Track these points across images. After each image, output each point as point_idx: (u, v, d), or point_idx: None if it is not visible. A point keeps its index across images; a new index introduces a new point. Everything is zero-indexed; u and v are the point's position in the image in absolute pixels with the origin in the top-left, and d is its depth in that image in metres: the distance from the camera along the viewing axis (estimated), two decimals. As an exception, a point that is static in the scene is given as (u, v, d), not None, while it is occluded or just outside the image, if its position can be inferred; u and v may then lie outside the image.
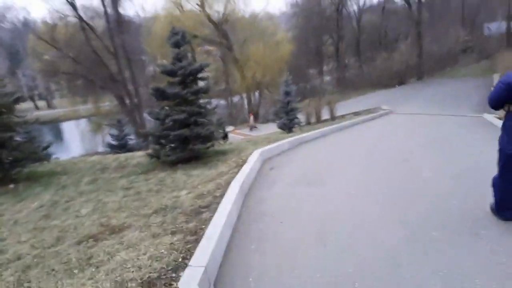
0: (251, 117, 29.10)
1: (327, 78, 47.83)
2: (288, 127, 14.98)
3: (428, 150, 6.84)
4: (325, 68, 50.29)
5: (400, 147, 7.23)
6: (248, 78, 33.03)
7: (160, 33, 29.35)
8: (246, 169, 4.82)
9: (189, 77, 7.29)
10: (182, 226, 3.36)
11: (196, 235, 3.08)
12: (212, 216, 3.43)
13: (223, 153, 7.78)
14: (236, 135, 27.21)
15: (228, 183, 4.58)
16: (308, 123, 20.25)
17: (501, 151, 3.08)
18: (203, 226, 3.26)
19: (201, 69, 7.33)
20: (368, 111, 21.31)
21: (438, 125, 11.93)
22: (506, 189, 3.07)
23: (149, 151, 7.45)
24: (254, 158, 5.55)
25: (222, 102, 47.33)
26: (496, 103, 3.03)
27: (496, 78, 25.31)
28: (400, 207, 3.58)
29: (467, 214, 3.33)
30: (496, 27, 41.14)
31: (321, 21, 43.49)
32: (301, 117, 18.72)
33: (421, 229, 3.10)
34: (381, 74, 35.59)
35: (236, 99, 45.31)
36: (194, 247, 2.77)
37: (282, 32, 45.06)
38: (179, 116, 6.71)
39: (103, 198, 5.26)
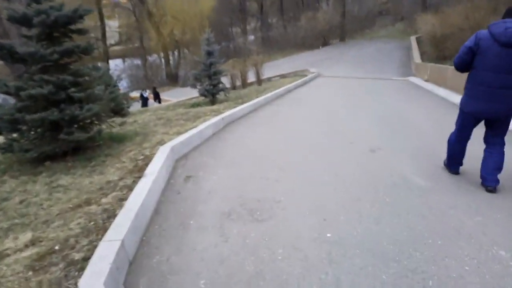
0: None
1: (251, 37, 45.57)
2: (211, 93, 12.85)
3: (386, 130, 5.49)
4: (248, 27, 47.84)
5: (354, 128, 5.79)
6: (165, 35, 29.26)
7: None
8: (142, 189, 2.76)
9: (57, 29, 4.73)
10: None
11: None
12: None
13: (120, 139, 5.54)
14: (151, 99, 24.15)
15: (109, 216, 2.57)
16: (233, 87, 18.32)
17: (460, 110, 3.29)
18: None
19: (76, 17, 4.79)
20: (295, 73, 20.16)
21: (374, 91, 10.98)
22: (458, 146, 3.34)
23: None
24: (160, 160, 3.49)
25: (137, 62, 42.64)
26: (460, 66, 3.14)
27: (413, 40, 25.95)
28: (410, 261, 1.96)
29: None
30: (410, -10, 42.38)
31: (243, -26, 40.40)
32: (226, 80, 16.73)
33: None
34: (306, 34, 34.56)
35: (153, 58, 40.96)
36: None
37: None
38: (41, 90, 4.25)
39: None
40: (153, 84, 24.69)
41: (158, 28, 28.96)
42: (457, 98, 8.47)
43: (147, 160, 4.03)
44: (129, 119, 7.13)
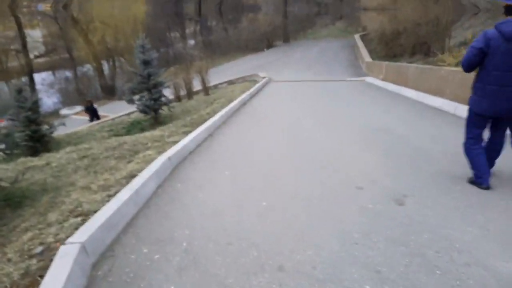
0: None
1: (191, 42, 43.52)
2: (152, 109, 11.04)
3: (387, 159, 4.28)
4: (188, 31, 45.73)
5: (344, 158, 4.49)
6: (95, 43, 26.29)
7: None
8: None
9: None
10: None
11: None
12: None
13: (18, 202, 3.71)
14: (87, 117, 21.26)
15: None
16: (178, 98, 16.53)
17: (470, 110, 3.20)
18: None
19: None
20: (243, 79, 18.88)
21: (337, 96, 9.91)
22: (476, 151, 3.18)
23: None
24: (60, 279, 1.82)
25: (68, 73, 38.47)
26: (470, 67, 3.04)
27: (358, 38, 25.90)
28: None
29: None
30: (345, -10, 43.29)
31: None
32: (169, 90, 14.96)
33: None
34: (248, 37, 33.40)
35: (86, 69, 37.16)
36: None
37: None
38: None
39: None
40: (86, 98, 21.67)
41: (86, 35, 25.92)
42: (433, 101, 7.61)
43: (47, 257, 2.35)
44: (40, 161, 5.18)
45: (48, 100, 33.30)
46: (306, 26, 40.88)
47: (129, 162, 4.39)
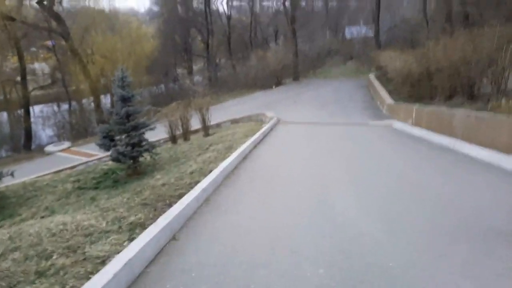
0: None
1: (198, 78, 42.31)
2: (130, 156, 8.66)
3: None
4: (195, 67, 44.75)
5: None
6: (94, 76, 24.72)
7: None
8: None
9: None
10: None
11: None
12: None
13: None
14: (73, 155, 18.97)
15: None
16: (173, 138, 14.32)
17: None
18: None
19: None
20: (249, 118, 16.73)
21: (367, 149, 7.51)
22: None
23: None
24: None
25: (67, 107, 36.98)
26: None
27: (372, 78, 23.95)
28: None
29: None
30: (357, 30, 42.49)
31: (187, 12, 37.79)
32: (163, 130, 12.86)
33: None
34: (257, 74, 31.79)
35: (86, 103, 35.67)
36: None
37: (144, 26, 37.60)
38: None
39: None
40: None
41: (85, 68, 24.41)
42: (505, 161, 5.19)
43: None
44: None
45: (42, 133, 31.58)
46: (316, 65, 39.53)
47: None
